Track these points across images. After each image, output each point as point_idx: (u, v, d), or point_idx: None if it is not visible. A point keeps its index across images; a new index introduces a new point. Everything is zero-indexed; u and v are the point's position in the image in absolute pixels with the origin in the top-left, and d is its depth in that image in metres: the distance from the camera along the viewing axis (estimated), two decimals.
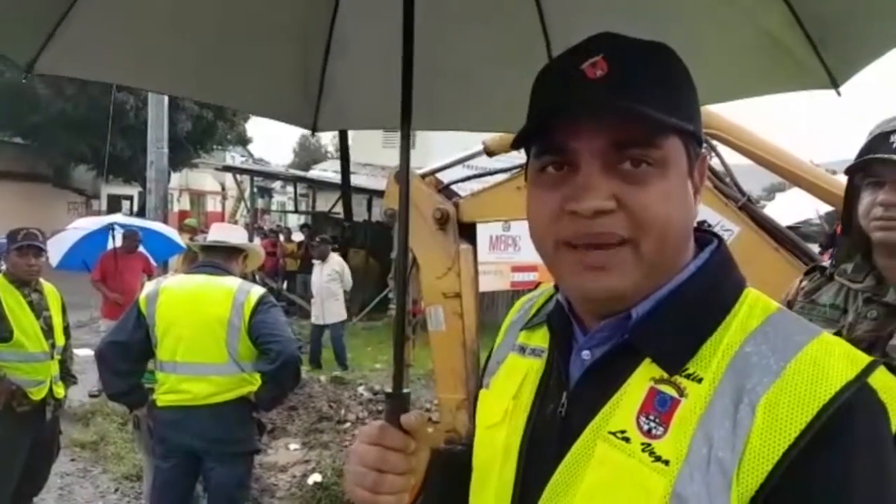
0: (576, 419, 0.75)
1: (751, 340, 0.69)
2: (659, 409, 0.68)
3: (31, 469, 3.73)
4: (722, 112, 3.10)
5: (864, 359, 0.67)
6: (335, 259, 9.07)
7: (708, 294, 0.74)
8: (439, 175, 3.84)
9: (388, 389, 1.01)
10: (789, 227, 3.08)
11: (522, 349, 0.90)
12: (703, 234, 0.80)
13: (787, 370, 0.64)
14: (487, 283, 9.69)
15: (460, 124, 1.66)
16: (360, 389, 7.10)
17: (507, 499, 0.80)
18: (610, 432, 0.70)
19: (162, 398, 3.14)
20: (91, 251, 7.11)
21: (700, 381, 0.68)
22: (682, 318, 0.72)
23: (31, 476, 3.78)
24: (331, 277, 8.66)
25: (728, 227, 2.97)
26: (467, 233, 3.66)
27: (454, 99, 1.53)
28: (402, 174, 1.14)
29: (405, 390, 0.99)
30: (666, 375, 0.70)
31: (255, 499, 4.58)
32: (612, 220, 0.70)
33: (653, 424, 0.68)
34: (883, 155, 1.43)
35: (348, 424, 6.02)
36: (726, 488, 0.62)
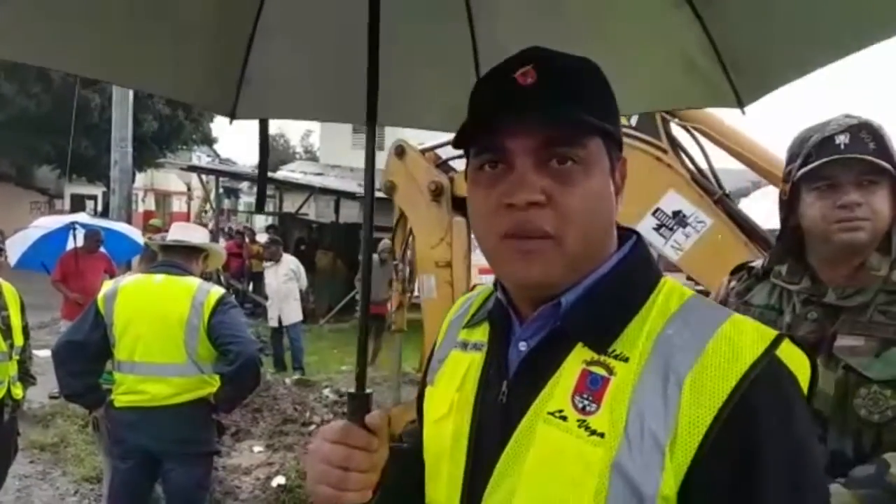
0: (516, 405, 0.80)
1: (671, 324, 0.76)
2: (591, 388, 0.75)
3: None
4: None
5: (771, 333, 0.74)
6: (289, 259, 8.99)
7: (630, 282, 0.82)
8: (439, 151, 4.02)
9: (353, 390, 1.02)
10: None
11: (464, 345, 0.95)
12: (624, 231, 0.88)
13: (706, 349, 0.71)
14: None
15: (411, 122, 1.67)
16: (326, 392, 7.07)
17: (458, 486, 0.85)
18: (548, 413, 0.76)
19: (119, 399, 3.12)
20: (50, 251, 6.97)
21: (627, 360, 0.75)
22: (607, 303, 0.80)
23: None
24: (287, 278, 8.58)
25: (702, 218, 3.07)
26: (463, 207, 3.78)
27: (406, 96, 1.55)
28: (367, 174, 1.17)
29: (368, 391, 1.02)
30: (596, 357, 0.76)
31: (218, 501, 4.54)
32: (541, 213, 0.77)
33: (586, 402, 0.74)
34: (838, 156, 1.42)
35: (313, 427, 5.98)
36: (660, 460, 0.68)
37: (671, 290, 0.81)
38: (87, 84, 17.39)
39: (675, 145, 3.28)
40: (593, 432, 0.72)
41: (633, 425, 0.70)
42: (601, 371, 0.75)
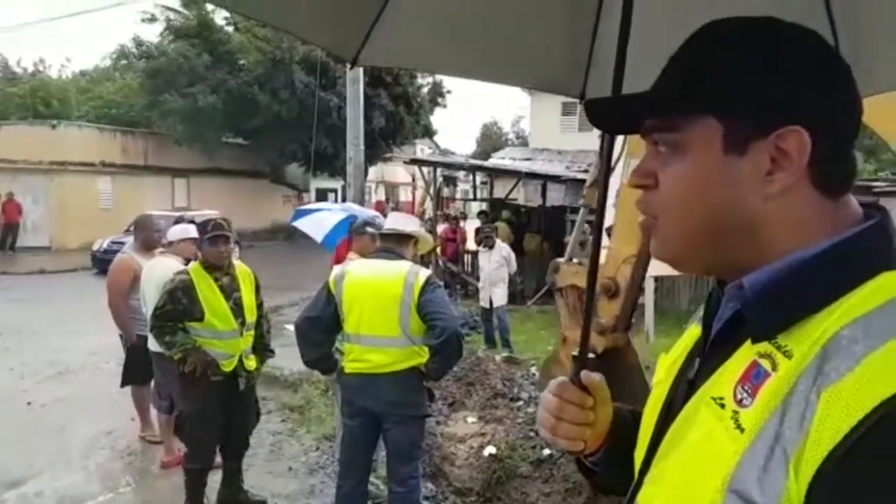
0: (699, 383, 0.78)
1: (852, 324, 0.64)
2: (753, 382, 0.68)
3: (234, 431, 4.31)
4: None
5: None
6: (502, 246, 9.51)
7: (824, 273, 0.70)
8: None
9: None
10: None
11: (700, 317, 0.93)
12: (868, 210, 0.75)
13: (864, 361, 0.61)
14: (667, 268, 9.42)
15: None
16: (533, 370, 7.22)
17: (643, 452, 0.87)
18: (712, 397, 0.72)
19: (349, 366, 3.62)
20: (335, 237, 7.22)
21: (791, 356, 0.66)
22: (788, 291, 0.71)
23: (235, 437, 4.35)
24: (499, 264, 9.11)
25: None
26: None
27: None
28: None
29: (590, 355, 1.17)
30: (767, 349, 0.69)
31: (436, 465, 4.93)
32: (650, 194, 0.79)
33: (745, 395, 0.68)
34: None
35: (521, 402, 6.13)
36: (785, 466, 0.61)
37: (882, 287, 0.67)
38: (325, 87, 19.38)
39: None
40: (738, 426, 0.66)
41: (771, 428, 0.63)
42: (767, 365, 0.68)
